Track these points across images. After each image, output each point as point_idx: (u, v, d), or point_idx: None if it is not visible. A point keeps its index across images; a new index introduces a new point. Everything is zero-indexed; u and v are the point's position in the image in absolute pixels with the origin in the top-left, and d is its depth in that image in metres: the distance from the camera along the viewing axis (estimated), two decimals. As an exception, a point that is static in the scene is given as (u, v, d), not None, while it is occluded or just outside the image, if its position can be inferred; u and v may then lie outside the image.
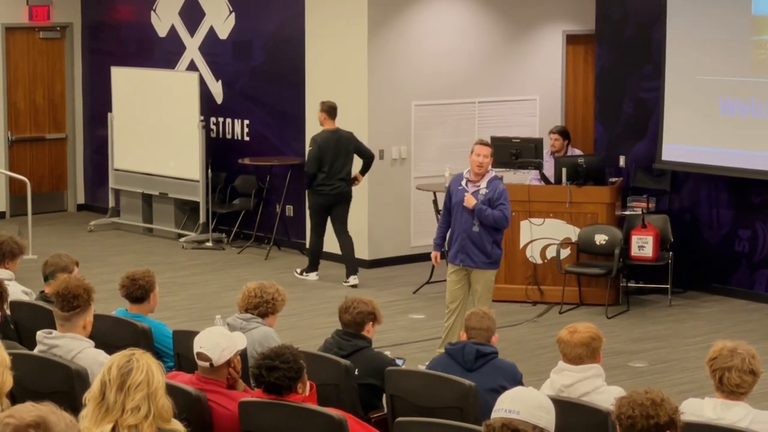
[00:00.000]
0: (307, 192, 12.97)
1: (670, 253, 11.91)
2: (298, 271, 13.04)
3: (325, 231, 12.85)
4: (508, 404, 4.12)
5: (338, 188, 12.64)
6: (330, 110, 12.68)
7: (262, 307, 6.99)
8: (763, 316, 11.47)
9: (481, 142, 9.76)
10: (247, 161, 14.33)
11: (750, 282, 12.07)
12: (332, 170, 12.58)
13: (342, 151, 12.61)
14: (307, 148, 12.80)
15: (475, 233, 9.57)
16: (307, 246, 13.42)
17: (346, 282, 12.66)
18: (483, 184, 9.58)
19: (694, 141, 12.16)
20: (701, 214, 12.41)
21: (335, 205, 12.72)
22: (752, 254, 12.05)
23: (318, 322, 10.88)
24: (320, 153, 12.50)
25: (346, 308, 6.90)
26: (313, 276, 12.91)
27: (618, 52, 12.98)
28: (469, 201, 9.54)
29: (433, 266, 12.23)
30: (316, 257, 12.94)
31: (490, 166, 9.71)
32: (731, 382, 5.30)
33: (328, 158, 12.53)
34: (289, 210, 14.38)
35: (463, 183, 9.65)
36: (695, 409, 5.38)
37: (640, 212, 12.09)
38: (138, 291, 7.27)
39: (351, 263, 12.77)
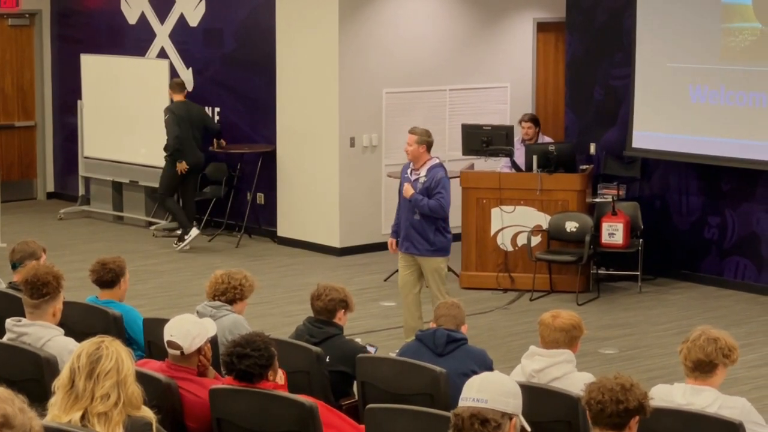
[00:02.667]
0: (167, 159, 13.86)
1: (641, 240, 11.95)
2: (179, 244, 13.80)
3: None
4: (476, 393, 4.09)
5: (197, 156, 13.87)
6: (174, 85, 14.08)
7: (230, 293, 6.97)
8: (732, 303, 11.54)
9: (410, 130, 9.71)
10: (217, 149, 14.30)
11: (719, 269, 12.13)
12: (187, 139, 13.77)
13: (195, 120, 13.88)
14: (164, 118, 13.79)
15: (416, 221, 9.54)
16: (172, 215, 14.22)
17: (179, 244, 13.76)
18: (423, 172, 9.54)
19: (664, 128, 12.20)
20: (671, 201, 12.47)
21: (192, 173, 13.94)
22: (721, 241, 12.11)
23: (289, 310, 10.88)
24: (176, 120, 13.67)
25: (318, 295, 6.90)
26: (194, 231, 13.79)
27: (588, 39, 13.01)
28: (407, 191, 9.53)
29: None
30: (186, 217, 13.93)
31: (430, 154, 9.59)
32: (691, 356, 5.36)
33: (183, 127, 13.71)
34: (260, 198, 14.36)
35: (408, 171, 9.65)
36: (665, 394, 5.41)
37: (611, 199, 12.13)
38: (108, 275, 7.26)
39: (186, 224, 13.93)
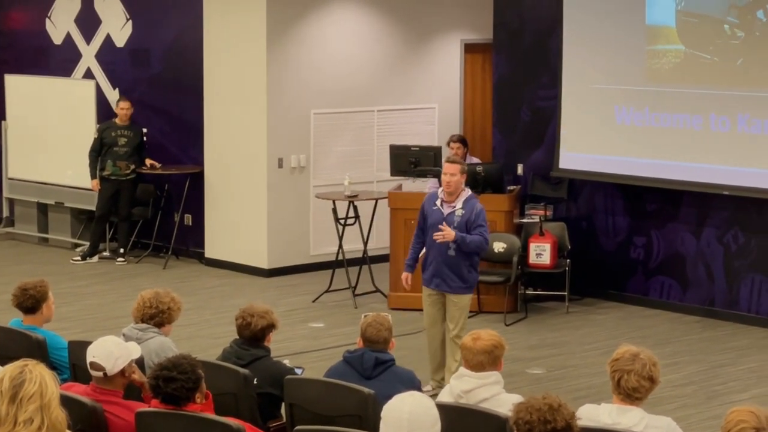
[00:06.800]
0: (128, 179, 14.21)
1: (568, 260, 12.04)
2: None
3: None
4: None
5: None
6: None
7: (158, 318, 6.90)
8: (657, 323, 11.64)
9: (450, 160, 9.20)
10: (145, 170, 14.20)
11: (645, 288, 12.24)
12: None
13: None
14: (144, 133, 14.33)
15: (450, 257, 9.05)
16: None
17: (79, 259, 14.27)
18: (459, 204, 9.08)
19: (590, 149, 12.31)
20: (597, 221, 12.57)
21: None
22: (647, 261, 12.23)
23: (216, 332, 10.80)
24: None
25: (244, 322, 6.80)
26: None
27: (515, 60, 13.10)
28: (449, 235, 8.96)
29: (333, 274, 12.27)
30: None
31: (463, 184, 9.16)
32: (628, 385, 5.35)
33: None
34: (188, 219, 14.28)
35: (438, 203, 9.14)
36: (592, 414, 5.43)
37: (538, 220, 12.21)
38: (28, 301, 7.15)
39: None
